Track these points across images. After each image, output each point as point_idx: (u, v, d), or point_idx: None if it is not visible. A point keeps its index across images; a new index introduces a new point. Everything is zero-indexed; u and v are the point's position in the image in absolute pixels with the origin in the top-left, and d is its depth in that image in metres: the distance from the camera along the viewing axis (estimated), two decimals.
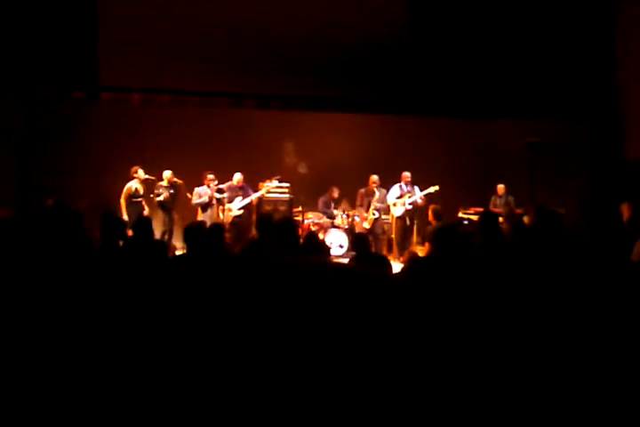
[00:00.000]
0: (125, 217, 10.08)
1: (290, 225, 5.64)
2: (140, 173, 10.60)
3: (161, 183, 10.74)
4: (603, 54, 13.10)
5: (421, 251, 9.26)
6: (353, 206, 11.69)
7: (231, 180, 10.90)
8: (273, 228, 5.70)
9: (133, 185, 10.56)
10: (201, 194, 10.65)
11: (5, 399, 2.09)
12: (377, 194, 11.09)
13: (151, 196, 10.74)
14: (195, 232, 5.25)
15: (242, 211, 10.66)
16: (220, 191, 10.68)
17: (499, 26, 13.01)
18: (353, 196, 11.61)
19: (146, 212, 10.48)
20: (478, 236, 5.41)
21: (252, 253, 5.26)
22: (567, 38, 12.95)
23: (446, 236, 4.98)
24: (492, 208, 11.20)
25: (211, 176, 10.72)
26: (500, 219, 10.16)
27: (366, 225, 11.10)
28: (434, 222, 8.84)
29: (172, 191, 10.75)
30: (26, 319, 3.04)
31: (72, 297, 3.37)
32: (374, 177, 11.16)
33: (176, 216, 10.76)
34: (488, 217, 6.51)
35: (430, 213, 10.05)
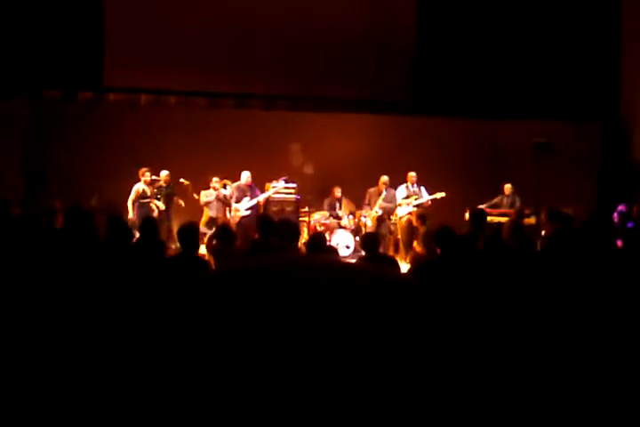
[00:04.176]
0: (133, 217, 10.14)
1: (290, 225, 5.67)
2: (147, 176, 10.63)
3: (159, 184, 10.78)
4: (608, 55, 13.07)
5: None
6: (357, 206, 11.67)
7: (238, 180, 10.89)
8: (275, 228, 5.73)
9: (141, 186, 10.60)
10: (207, 196, 10.72)
11: (5, 398, 2.09)
12: (384, 193, 11.09)
13: (157, 196, 10.76)
14: (188, 233, 5.22)
15: (249, 211, 10.65)
16: (224, 187, 10.68)
17: (506, 26, 13.00)
18: (359, 196, 11.60)
19: (155, 213, 10.49)
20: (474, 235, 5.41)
21: (256, 251, 5.27)
22: (573, 39, 12.92)
23: (447, 238, 5.00)
24: (493, 207, 11.17)
25: (216, 179, 10.72)
26: (506, 219, 10.17)
27: (369, 223, 11.10)
28: (419, 226, 8.91)
29: (168, 191, 10.78)
30: (28, 316, 3.05)
31: (75, 295, 3.38)
32: (384, 178, 11.15)
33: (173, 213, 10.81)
34: (478, 216, 6.51)
35: (414, 217, 10.10)
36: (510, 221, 6.62)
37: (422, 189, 11.29)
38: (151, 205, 10.63)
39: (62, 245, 4.91)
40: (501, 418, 0.56)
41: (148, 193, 10.64)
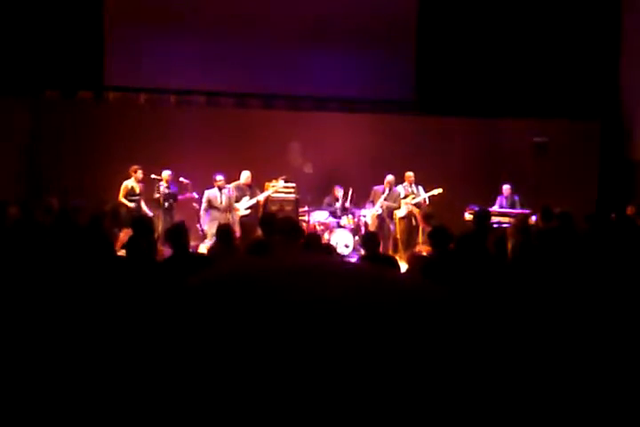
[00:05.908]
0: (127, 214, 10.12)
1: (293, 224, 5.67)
2: (139, 174, 10.57)
3: (161, 183, 10.76)
4: (608, 54, 13.08)
5: (426, 251, 9.29)
6: (356, 205, 11.68)
7: (238, 179, 10.83)
8: (277, 226, 5.73)
9: (130, 183, 10.55)
10: (210, 198, 10.44)
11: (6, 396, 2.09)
12: (386, 192, 11.12)
13: (156, 196, 10.72)
14: (177, 233, 5.17)
15: (249, 210, 10.60)
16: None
17: (506, 25, 13.00)
18: (360, 195, 11.60)
19: (149, 212, 10.44)
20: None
21: (257, 252, 5.26)
22: (573, 38, 12.93)
23: (441, 237, 5.01)
24: (496, 208, 11.19)
25: (220, 177, 10.51)
26: (506, 219, 10.19)
27: (369, 221, 11.12)
28: (424, 225, 8.89)
29: (171, 191, 10.74)
30: (27, 317, 3.05)
31: (68, 293, 3.38)
32: (389, 177, 11.17)
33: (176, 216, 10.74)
34: (482, 216, 6.51)
35: (420, 216, 10.07)
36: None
37: (420, 188, 11.32)
38: (141, 202, 10.58)
39: (59, 244, 4.92)
40: (505, 418, 0.57)
41: (137, 191, 10.59)
